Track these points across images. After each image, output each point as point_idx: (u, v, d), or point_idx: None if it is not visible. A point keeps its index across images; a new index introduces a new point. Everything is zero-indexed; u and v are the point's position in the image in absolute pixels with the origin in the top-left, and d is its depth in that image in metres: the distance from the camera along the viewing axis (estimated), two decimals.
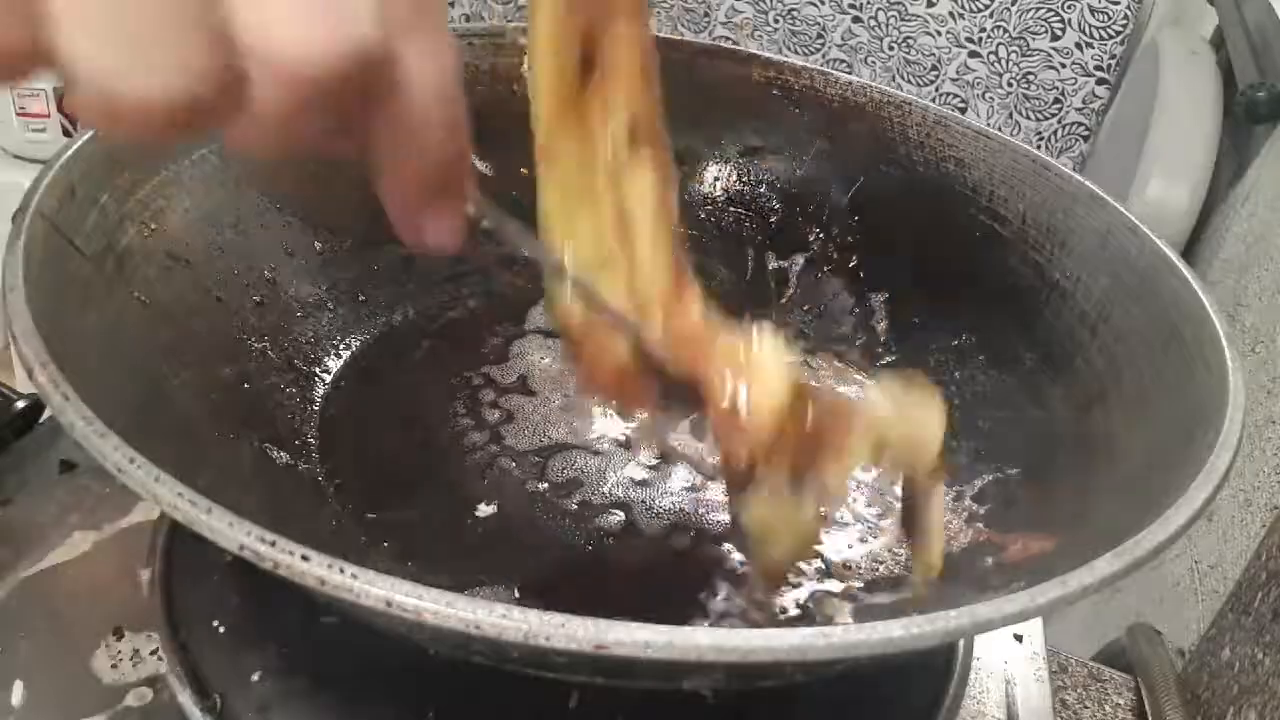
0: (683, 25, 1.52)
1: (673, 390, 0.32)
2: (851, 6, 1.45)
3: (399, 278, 0.52)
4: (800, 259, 0.56)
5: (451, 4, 1.63)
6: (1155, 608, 0.83)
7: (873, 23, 1.45)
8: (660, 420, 0.44)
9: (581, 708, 0.33)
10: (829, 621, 0.38)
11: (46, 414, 0.50)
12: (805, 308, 0.55)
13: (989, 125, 1.50)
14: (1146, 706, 0.50)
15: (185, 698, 0.36)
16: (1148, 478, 0.33)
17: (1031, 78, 1.42)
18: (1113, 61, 1.37)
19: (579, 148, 0.32)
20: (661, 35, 0.56)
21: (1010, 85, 1.43)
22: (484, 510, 0.42)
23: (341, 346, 0.49)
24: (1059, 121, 1.43)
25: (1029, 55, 1.40)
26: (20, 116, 1.46)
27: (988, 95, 1.44)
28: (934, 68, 1.45)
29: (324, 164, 0.48)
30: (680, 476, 0.45)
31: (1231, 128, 1.00)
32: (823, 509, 0.32)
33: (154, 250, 0.38)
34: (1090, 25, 1.36)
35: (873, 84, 0.54)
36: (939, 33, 1.42)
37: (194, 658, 0.37)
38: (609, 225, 0.32)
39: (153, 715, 0.38)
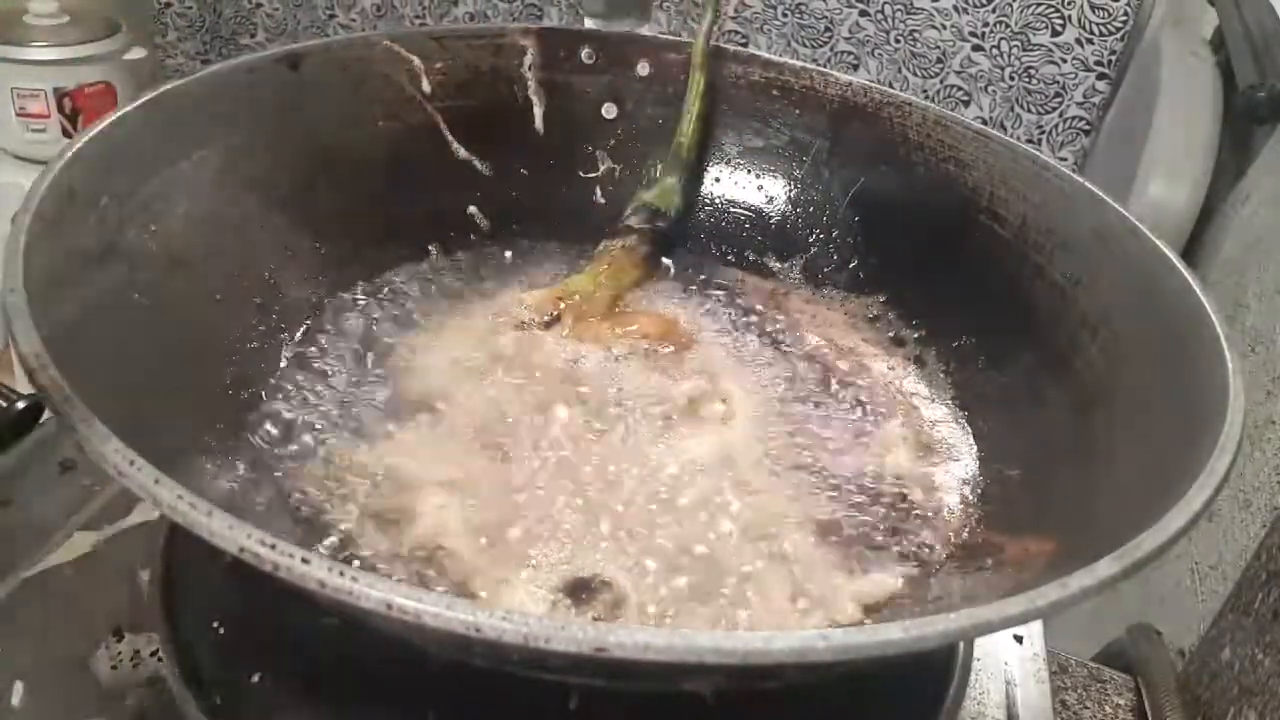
0: (692, 19, 1.52)
1: None
2: (858, 0, 1.45)
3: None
4: (800, 259, 0.56)
5: (455, 3, 1.63)
6: (1155, 608, 0.83)
7: (879, 16, 1.45)
8: None
9: (581, 709, 0.33)
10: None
11: (46, 414, 0.50)
12: None
13: (991, 118, 1.49)
14: (1147, 707, 0.50)
15: (185, 699, 0.36)
16: (1148, 479, 0.33)
17: (1033, 72, 1.42)
18: (1113, 57, 1.37)
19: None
20: (663, 35, 0.56)
21: (1012, 79, 1.43)
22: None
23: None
24: (1060, 115, 1.43)
25: (1030, 50, 1.41)
26: (20, 116, 1.44)
27: (990, 88, 1.45)
28: (939, 60, 1.45)
29: (325, 166, 0.48)
30: None
31: (1231, 128, 1.00)
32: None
33: (154, 251, 0.38)
34: (1090, 21, 1.36)
35: (873, 84, 0.54)
36: (944, 26, 1.43)
37: (194, 658, 0.37)
38: None
39: (153, 716, 0.38)
